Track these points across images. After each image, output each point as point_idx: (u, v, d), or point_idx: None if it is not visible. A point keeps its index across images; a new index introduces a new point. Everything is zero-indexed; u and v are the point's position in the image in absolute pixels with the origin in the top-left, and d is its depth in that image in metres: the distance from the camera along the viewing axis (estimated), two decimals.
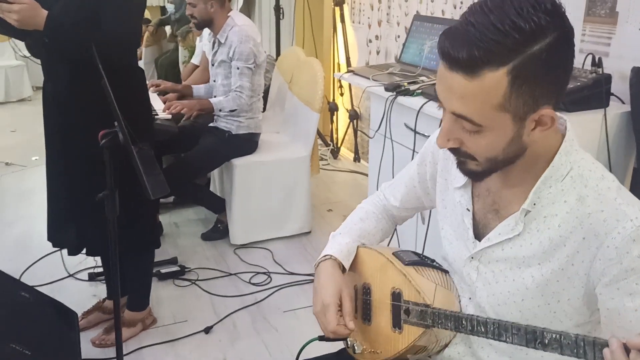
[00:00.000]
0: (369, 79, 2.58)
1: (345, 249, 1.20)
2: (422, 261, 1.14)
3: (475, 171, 0.93)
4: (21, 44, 5.55)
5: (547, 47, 0.79)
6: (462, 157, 0.93)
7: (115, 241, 1.77)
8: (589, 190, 0.89)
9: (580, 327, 0.95)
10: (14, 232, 3.25)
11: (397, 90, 2.36)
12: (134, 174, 1.64)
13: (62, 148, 2.15)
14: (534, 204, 0.92)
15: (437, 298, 1.04)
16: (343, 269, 1.18)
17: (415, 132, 2.27)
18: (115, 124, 1.72)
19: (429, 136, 1.20)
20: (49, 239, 2.29)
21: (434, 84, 2.29)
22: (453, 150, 0.93)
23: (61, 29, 1.85)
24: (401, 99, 2.31)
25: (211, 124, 3.06)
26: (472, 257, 1.02)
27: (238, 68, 2.91)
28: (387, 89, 2.40)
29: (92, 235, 2.17)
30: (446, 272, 1.12)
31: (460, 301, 1.07)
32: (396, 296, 1.10)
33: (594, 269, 0.87)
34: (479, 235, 1.02)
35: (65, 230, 2.24)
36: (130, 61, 2.12)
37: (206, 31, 3.48)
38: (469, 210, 1.04)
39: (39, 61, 2.14)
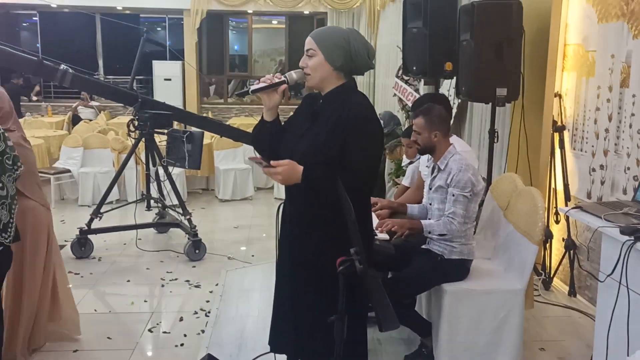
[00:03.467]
0: (600, 218, 2.43)
1: None
2: None
3: None
4: (250, 151, 6.36)
5: None
6: None
7: None
8: None
9: None
10: (234, 328, 3.54)
11: (635, 234, 2.19)
12: (355, 299, 1.74)
13: (293, 261, 2.35)
14: None
15: None
16: None
17: None
18: (352, 251, 1.85)
19: None
20: (270, 342, 2.47)
21: None
22: None
23: (316, 180, 2.11)
24: None
25: (424, 246, 3.10)
26: None
27: (454, 195, 2.95)
28: (623, 232, 2.24)
29: (310, 349, 2.29)
30: None
31: None
32: None
33: None
34: None
35: (286, 337, 2.39)
36: (369, 192, 2.29)
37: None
38: None
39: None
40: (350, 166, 2.10)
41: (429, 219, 3.15)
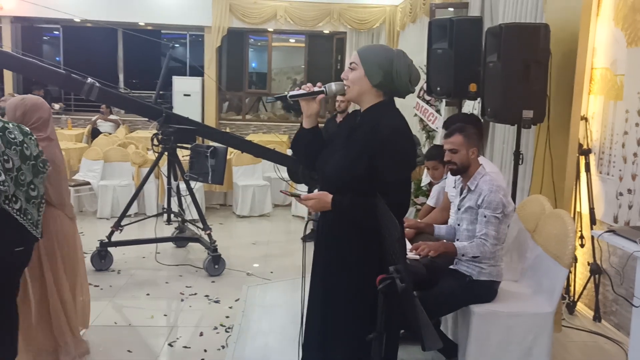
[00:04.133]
0: (635, 242, 2.41)
1: None
2: None
3: None
4: (269, 167, 6.40)
5: None
6: None
7: None
8: None
9: None
10: (256, 344, 3.52)
11: None
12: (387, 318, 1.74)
13: (324, 278, 2.34)
14: None
15: None
16: None
17: None
18: (392, 269, 1.83)
19: None
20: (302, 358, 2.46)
21: None
22: None
23: (345, 206, 2.16)
24: None
25: (451, 266, 3.08)
26: None
27: (485, 216, 2.93)
28: None
29: None
30: None
31: None
32: None
33: None
34: None
35: (315, 352, 2.39)
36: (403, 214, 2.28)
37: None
38: None
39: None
40: (385, 189, 2.10)
41: (457, 239, 3.13)
